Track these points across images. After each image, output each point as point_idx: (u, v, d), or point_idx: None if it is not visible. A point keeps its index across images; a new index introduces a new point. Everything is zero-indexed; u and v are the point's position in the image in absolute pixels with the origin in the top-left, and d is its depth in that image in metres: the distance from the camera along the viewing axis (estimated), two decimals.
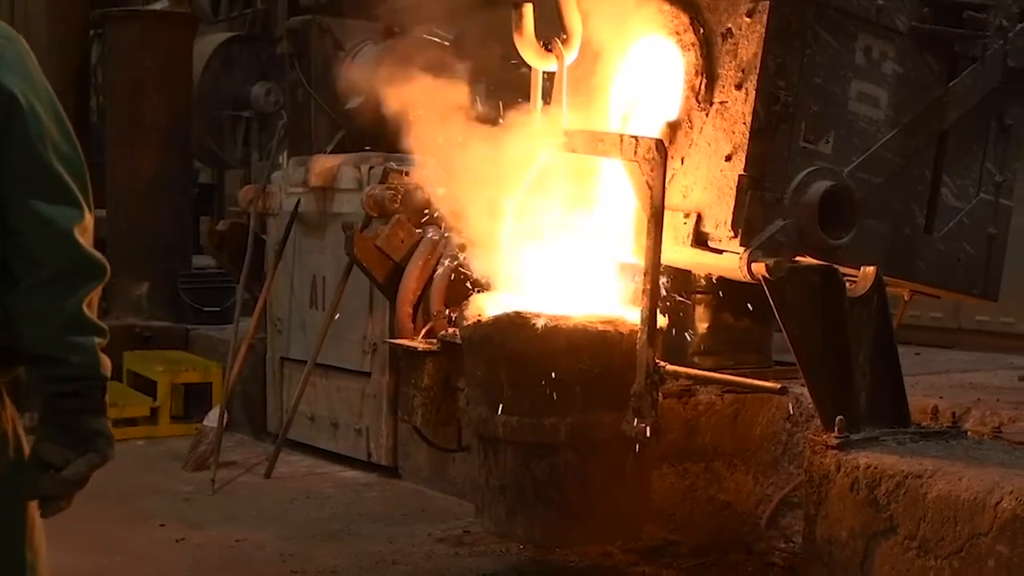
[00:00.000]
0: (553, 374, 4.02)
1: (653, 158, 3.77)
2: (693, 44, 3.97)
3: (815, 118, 3.84)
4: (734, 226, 3.76)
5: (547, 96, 4.39)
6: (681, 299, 4.75)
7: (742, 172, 3.76)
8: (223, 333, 7.65)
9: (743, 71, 3.79)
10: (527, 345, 4.05)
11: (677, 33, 4.03)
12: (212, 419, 6.61)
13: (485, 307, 4.36)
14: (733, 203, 3.76)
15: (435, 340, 4.80)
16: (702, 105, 3.94)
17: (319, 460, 6.71)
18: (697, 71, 3.96)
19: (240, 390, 7.20)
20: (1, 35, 2.14)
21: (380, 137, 6.17)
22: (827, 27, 3.83)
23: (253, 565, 4.92)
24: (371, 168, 6.41)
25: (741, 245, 3.76)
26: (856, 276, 3.85)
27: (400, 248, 5.77)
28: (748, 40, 3.80)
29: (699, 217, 3.88)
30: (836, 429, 3.60)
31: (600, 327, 4.06)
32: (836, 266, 3.80)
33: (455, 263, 5.16)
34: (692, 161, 3.96)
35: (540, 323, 4.05)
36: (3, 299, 2.04)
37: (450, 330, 4.79)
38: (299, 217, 6.88)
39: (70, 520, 5.59)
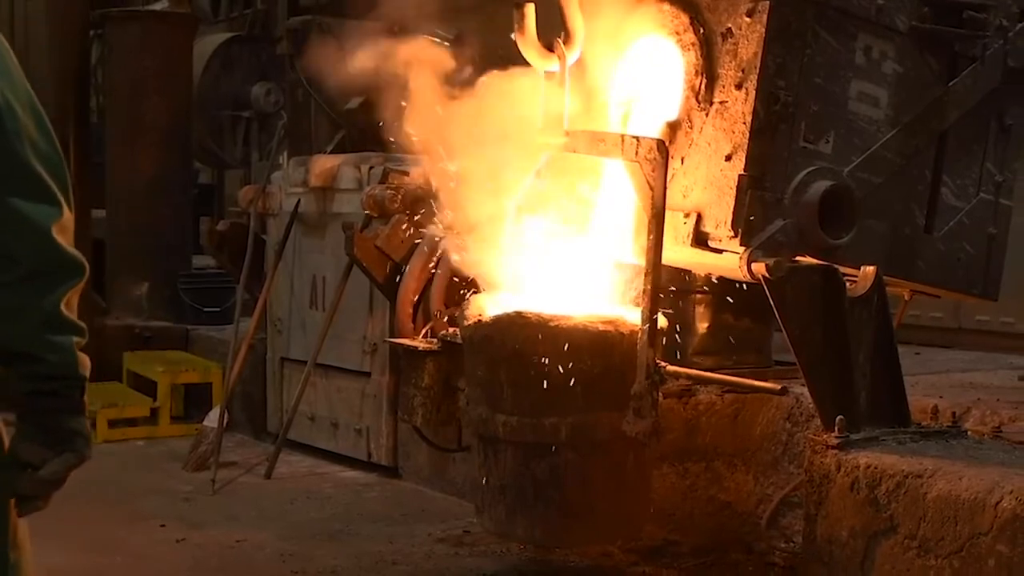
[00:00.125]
0: (553, 374, 4.02)
1: (654, 158, 3.77)
2: (693, 44, 3.97)
3: (815, 118, 3.84)
4: (734, 226, 3.76)
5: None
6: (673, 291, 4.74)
7: (742, 172, 3.76)
8: (223, 333, 7.66)
9: (743, 71, 3.79)
10: (528, 345, 4.05)
11: (677, 33, 4.03)
12: (212, 419, 6.61)
13: (486, 307, 4.36)
14: (733, 203, 3.76)
15: (435, 340, 4.81)
16: (702, 105, 3.94)
17: (319, 460, 6.71)
18: (697, 71, 3.96)
19: (240, 390, 7.20)
20: None
21: (379, 137, 6.19)
22: (827, 27, 3.83)
23: (253, 565, 4.92)
24: (371, 168, 6.41)
25: (741, 245, 3.76)
26: (856, 276, 3.85)
27: (400, 248, 5.77)
28: (748, 40, 3.80)
29: (699, 217, 3.88)
30: (836, 429, 3.60)
31: (601, 327, 4.07)
32: (836, 266, 3.80)
33: (454, 263, 5.15)
34: (692, 161, 3.96)
35: (541, 323, 4.05)
36: None
37: (450, 330, 4.79)
38: (299, 217, 6.88)
39: (70, 520, 5.62)
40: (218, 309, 8.25)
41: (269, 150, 8.40)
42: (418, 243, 5.71)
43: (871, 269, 3.81)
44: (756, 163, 3.76)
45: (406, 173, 6.01)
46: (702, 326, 5.07)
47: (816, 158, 3.85)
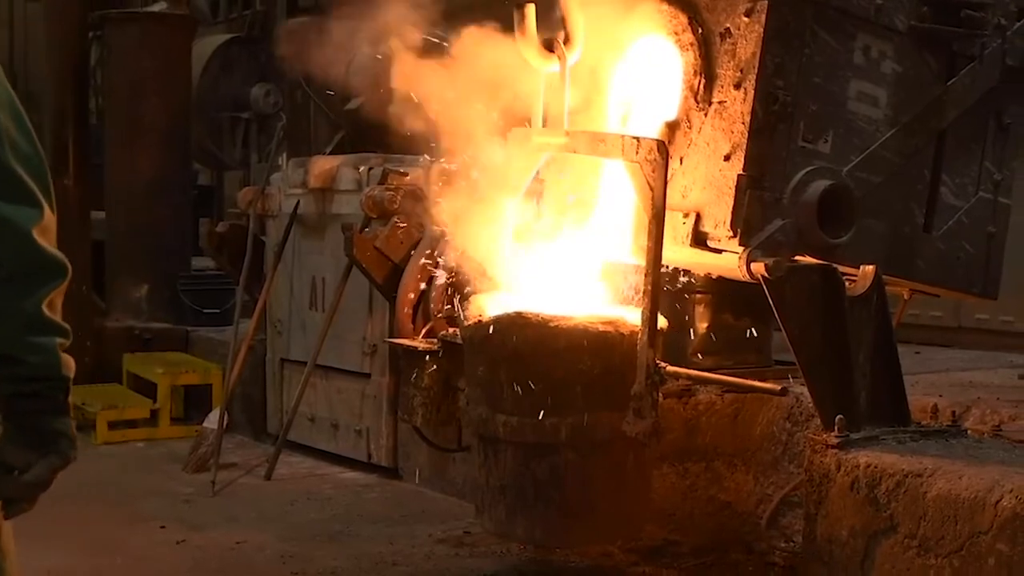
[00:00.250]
0: (554, 374, 4.02)
1: (654, 159, 3.77)
2: (691, 44, 3.98)
3: (814, 117, 3.84)
4: (733, 226, 3.76)
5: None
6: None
7: (741, 172, 3.76)
8: (223, 335, 7.66)
9: (741, 71, 3.79)
10: (528, 345, 4.05)
11: (675, 33, 4.04)
12: (212, 421, 6.62)
13: (486, 307, 4.36)
14: (732, 203, 3.76)
15: (435, 340, 4.81)
16: (701, 105, 3.94)
17: (319, 461, 6.71)
18: (696, 71, 3.96)
19: (240, 392, 7.20)
20: None
21: (379, 138, 6.19)
22: (826, 26, 3.83)
23: (254, 567, 4.92)
24: (370, 169, 6.41)
25: (740, 245, 3.76)
26: (855, 275, 3.85)
27: (399, 249, 5.77)
28: (746, 40, 3.80)
29: (698, 217, 3.88)
30: (836, 428, 3.60)
31: (601, 327, 4.07)
32: (835, 265, 3.80)
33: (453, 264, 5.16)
34: (691, 161, 3.96)
35: (541, 323, 4.05)
36: None
37: (450, 330, 4.79)
38: (298, 218, 6.88)
39: (70, 522, 5.61)
40: (218, 310, 8.26)
41: (268, 151, 8.40)
42: (418, 243, 5.72)
43: (870, 268, 3.81)
44: (755, 163, 3.77)
45: (405, 174, 6.01)
46: (702, 326, 5.07)
47: (815, 158, 3.85)
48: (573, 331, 4.05)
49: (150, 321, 8.45)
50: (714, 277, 4.63)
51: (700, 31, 3.96)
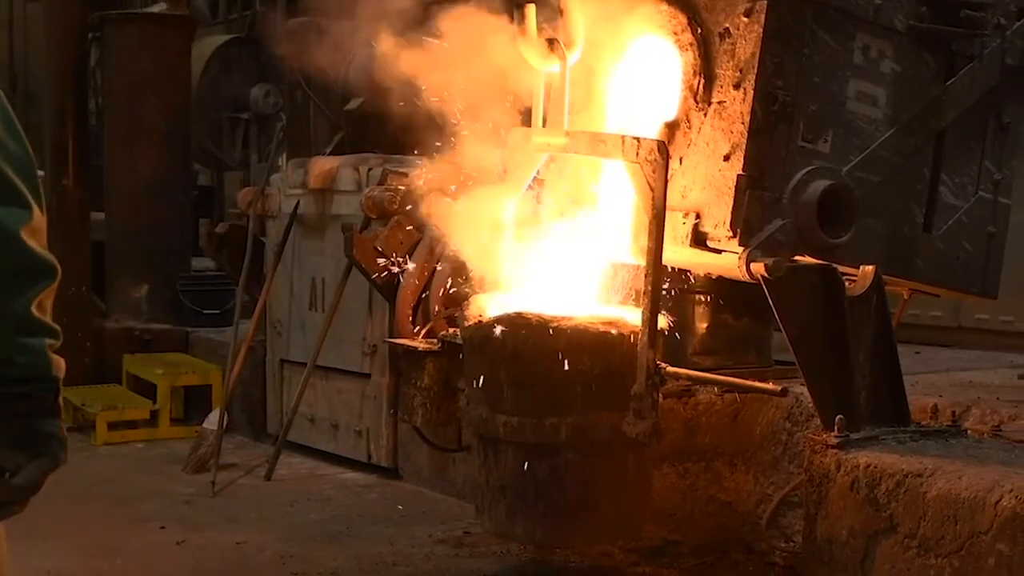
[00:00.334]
0: (554, 374, 4.02)
1: (655, 159, 3.77)
2: (691, 44, 3.98)
3: (813, 117, 3.84)
4: (733, 226, 3.76)
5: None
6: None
7: (740, 172, 3.76)
8: (223, 335, 7.65)
9: (741, 71, 3.80)
10: (528, 345, 4.05)
11: (675, 33, 4.04)
12: (212, 421, 6.61)
13: (486, 307, 4.36)
14: (732, 203, 3.77)
15: (435, 340, 4.81)
16: (700, 105, 3.94)
17: (319, 462, 6.71)
18: (695, 71, 3.96)
19: (240, 392, 7.20)
20: None
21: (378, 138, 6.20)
22: (825, 26, 3.83)
23: (254, 567, 4.92)
24: (370, 170, 6.41)
25: (740, 245, 3.76)
26: (855, 275, 3.85)
27: (399, 249, 5.77)
28: (746, 40, 3.80)
29: (698, 217, 3.88)
30: (836, 428, 3.60)
31: (601, 328, 4.07)
32: (835, 265, 3.80)
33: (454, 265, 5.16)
34: (690, 161, 3.97)
35: (541, 324, 4.05)
36: None
37: (450, 330, 4.79)
38: (298, 219, 6.87)
39: (70, 523, 5.61)
40: (218, 311, 8.25)
41: (268, 152, 8.39)
42: (417, 244, 5.71)
43: (870, 269, 3.81)
44: (754, 163, 3.77)
45: (405, 174, 6.01)
46: (702, 326, 5.07)
47: (814, 157, 3.85)
48: (573, 331, 4.05)
49: (150, 322, 8.45)
50: (714, 277, 4.63)
51: (699, 31, 3.96)
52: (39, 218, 2.02)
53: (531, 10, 4.22)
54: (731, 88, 3.83)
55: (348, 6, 6.19)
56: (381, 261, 5.66)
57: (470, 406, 4.36)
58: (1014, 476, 3.26)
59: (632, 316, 4.07)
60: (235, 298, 7.27)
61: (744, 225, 3.75)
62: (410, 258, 5.64)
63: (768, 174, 3.78)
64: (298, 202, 6.86)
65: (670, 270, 4.29)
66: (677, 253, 3.99)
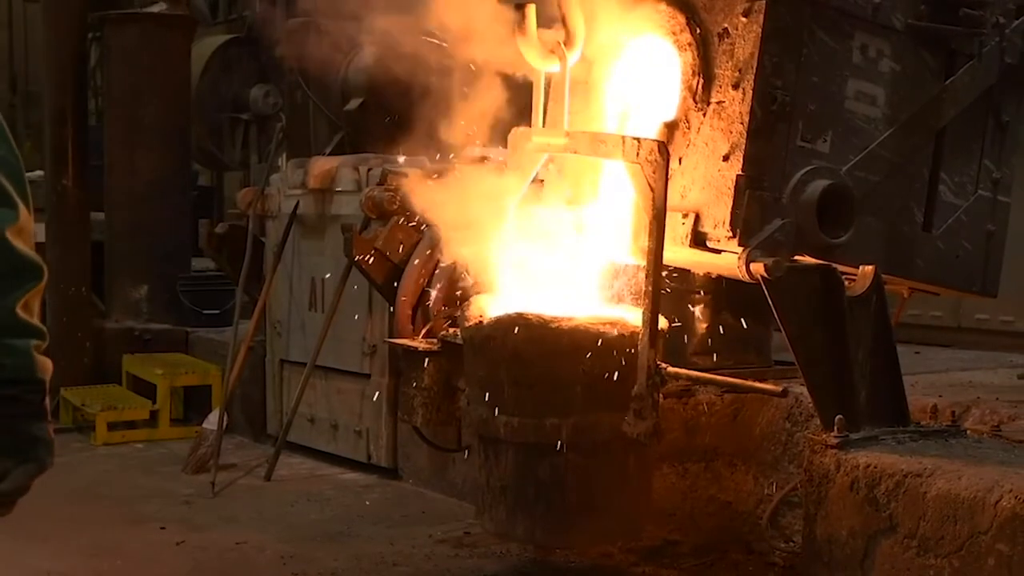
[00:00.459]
0: (554, 375, 4.02)
1: (655, 160, 3.77)
2: (690, 44, 3.97)
3: (812, 117, 3.84)
4: (732, 226, 3.76)
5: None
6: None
7: (740, 172, 3.76)
8: (222, 336, 7.65)
9: (740, 71, 3.79)
10: (529, 346, 4.04)
11: (673, 33, 4.03)
12: (212, 422, 6.61)
13: (486, 307, 4.36)
14: (731, 203, 3.76)
15: (435, 340, 4.80)
16: (699, 105, 3.94)
17: (319, 462, 6.70)
18: (694, 71, 3.96)
19: (240, 392, 7.20)
20: None
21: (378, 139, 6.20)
22: (823, 26, 3.83)
23: (254, 568, 4.92)
24: (369, 170, 6.41)
25: (739, 245, 3.76)
26: (855, 275, 3.85)
27: (399, 249, 5.77)
28: (744, 40, 3.79)
29: (697, 217, 3.88)
30: (835, 428, 3.60)
31: (602, 328, 4.06)
32: (835, 265, 3.80)
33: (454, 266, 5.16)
34: (690, 161, 3.96)
35: (542, 324, 4.05)
36: None
37: (450, 330, 4.79)
38: (298, 219, 6.87)
39: (70, 523, 5.60)
40: (217, 311, 8.25)
41: (268, 152, 8.39)
42: (417, 244, 5.71)
43: (869, 269, 3.81)
44: (754, 163, 3.76)
45: (405, 175, 6.01)
46: (702, 326, 5.07)
47: (814, 157, 3.85)
48: (574, 332, 4.04)
49: (150, 322, 8.45)
50: (713, 276, 4.63)
51: (698, 31, 3.96)
52: (25, 218, 2.00)
53: (531, 10, 4.22)
54: (730, 88, 3.83)
55: (347, 6, 6.21)
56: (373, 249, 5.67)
57: (471, 406, 4.36)
58: (1014, 476, 3.26)
59: (632, 316, 4.06)
60: (235, 298, 7.27)
61: (743, 225, 3.75)
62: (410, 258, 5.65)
63: (767, 174, 3.78)
64: (298, 202, 6.86)
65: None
66: (677, 253, 3.98)
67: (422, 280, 5.60)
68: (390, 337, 5.69)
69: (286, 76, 8.11)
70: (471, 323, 4.30)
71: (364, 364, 6.43)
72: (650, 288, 3.80)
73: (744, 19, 3.80)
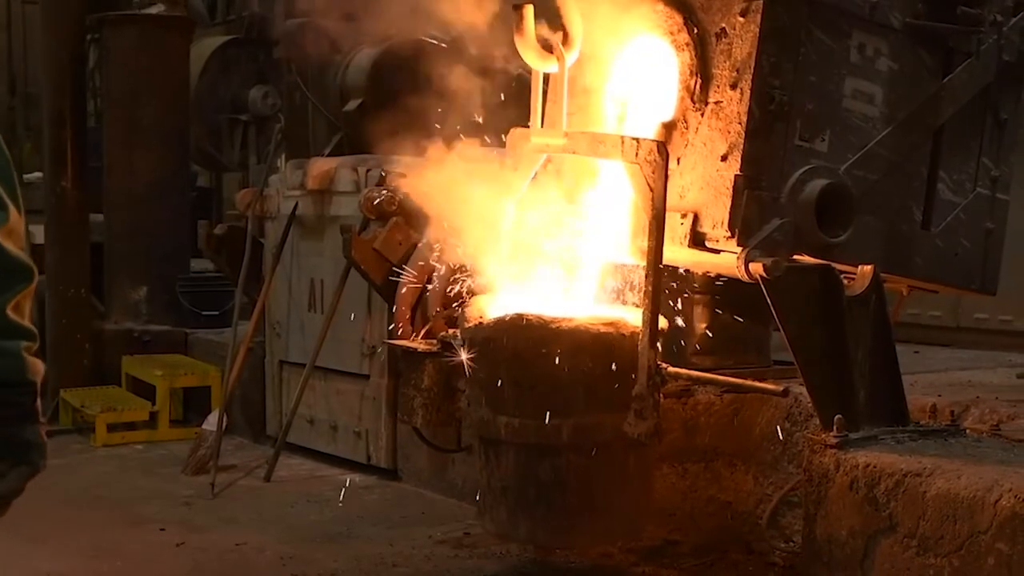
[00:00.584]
0: (555, 376, 4.02)
1: (654, 160, 3.77)
2: (687, 44, 3.97)
3: (810, 116, 3.84)
4: (731, 226, 3.75)
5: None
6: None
7: (738, 172, 3.75)
8: (222, 337, 7.65)
9: (737, 71, 3.79)
10: (529, 347, 4.04)
11: (671, 33, 4.03)
12: (211, 423, 6.61)
13: (486, 308, 4.36)
14: (730, 203, 3.76)
15: (435, 341, 4.80)
16: (697, 105, 3.93)
17: (319, 463, 6.70)
18: (692, 71, 3.96)
19: (239, 393, 7.20)
20: None
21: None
22: (821, 25, 3.83)
23: (254, 568, 4.92)
24: (368, 171, 6.40)
25: (738, 245, 3.76)
26: (854, 273, 3.85)
27: (398, 250, 5.77)
28: (742, 40, 3.79)
29: (696, 217, 3.88)
30: (835, 428, 3.60)
31: (602, 329, 4.06)
32: (834, 264, 3.80)
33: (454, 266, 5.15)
34: (688, 161, 3.96)
35: (542, 325, 4.04)
36: None
37: (449, 331, 4.79)
38: (297, 220, 6.87)
39: (69, 525, 5.59)
40: (217, 312, 8.24)
41: (267, 153, 8.39)
42: (416, 245, 5.71)
43: (868, 268, 3.81)
44: (752, 163, 3.76)
45: (403, 175, 6.01)
46: (701, 326, 5.06)
47: (812, 157, 3.85)
48: (574, 332, 4.04)
49: (149, 323, 8.45)
50: (712, 276, 4.63)
51: (696, 31, 3.96)
52: (16, 220, 1.99)
53: (529, 11, 4.22)
54: (728, 88, 3.82)
55: (346, 7, 6.21)
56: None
57: (471, 407, 4.36)
58: (1013, 475, 3.26)
59: (632, 316, 4.06)
60: (234, 299, 7.27)
61: (742, 225, 3.75)
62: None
63: (766, 174, 3.78)
64: (297, 203, 6.86)
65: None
66: (676, 253, 3.98)
67: (421, 281, 5.60)
68: (389, 338, 5.68)
69: (285, 77, 8.10)
70: (471, 324, 4.30)
71: (363, 365, 6.43)
72: (650, 288, 3.79)
73: (742, 19, 3.80)
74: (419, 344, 4.89)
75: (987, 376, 5.12)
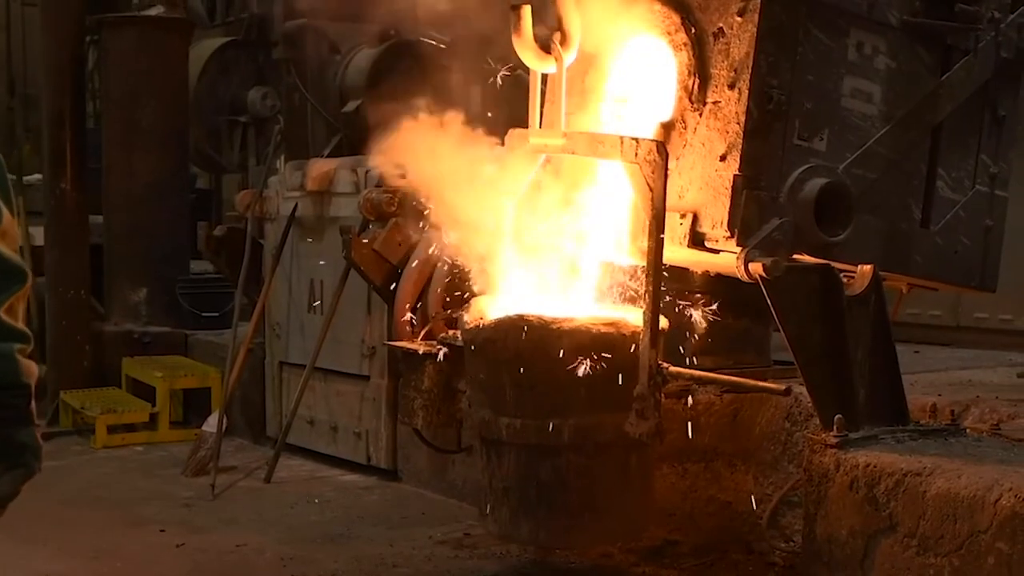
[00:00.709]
0: (556, 376, 4.01)
1: (654, 160, 3.76)
2: (685, 44, 3.97)
3: (809, 116, 3.84)
4: (730, 226, 3.75)
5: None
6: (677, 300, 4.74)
7: (737, 172, 3.75)
8: (222, 338, 7.65)
9: (735, 70, 3.79)
10: (530, 347, 4.04)
11: (669, 33, 4.03)
12: (211, 424, 6.61)
13: (487, 309, 4.35)
14: (729, 203, 3.76)
15: (435, 342, 4.80)
16: (695, 105, 3.93)
17: (319, 464, 6.70)
18: (690, 71, 3.95)
19: (239, 395, 7.20)
20: None
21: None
22: (819, 24, 3.83)
23: (254, 570, 4.91)
24: (368, 171, 6.40)
25: (738, 245, 3.75)
26: (854, 272, 3.84)
27: (397, 251, 5.77)
28: (740, 39, 3.79)
29: (695, 217, 3.87)
30: (835, 428, 3.60)
31: (603, 329, 4.06)
32: (833, 263, 3.79)
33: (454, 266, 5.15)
34: (687, 161, 3.96)
35: (543, 325, 4.04)
36: None
37: (450, 332, 4.79)
38: (296, 221, 6.87)
39: (70, 526, 5.59)
40: (216, 314, 8.25)
41: (266, 154, 8.38)
42: (416, 246, 5.71)
43: (868, 268, 3.81)
44: (751, 163, 3.76)
45: (403, 176, 6.00)
46: (701, 326, 5.05)
47: (811, 156, 3.84)
48: (575, 333, 4.04)
49: (149, 325, 8.44)
50: (712, 275, 4.62)
51: (693, 31, 3.95)
52: (8, 221, 1.99)
53: (526, 11, 4.21)
54: (726, 88, 3.82)
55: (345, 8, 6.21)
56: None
57: (472, 408, 4.35)
58: (1013, 475, 3.25)
59: (633, 316, 4.06)
60: (234, 300, 7.27)
61: (741, 225, 3.74)
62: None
63: (764, 173, 3.77)
64: (296, 204, 6.86)
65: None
66: (675, 253, 3.98)
67: (421, 282, 5.60)
68: (389, 339, 5.68)
69: (284, 78, 8.10)
70: (472, 325, 4.29)
71: (363, 366, 6.43)
72: (650, 288, 3.79)
73: (739, 18, 3.79)
74: (419, 345, 4.90)
75: (987, 375, 5.12)
